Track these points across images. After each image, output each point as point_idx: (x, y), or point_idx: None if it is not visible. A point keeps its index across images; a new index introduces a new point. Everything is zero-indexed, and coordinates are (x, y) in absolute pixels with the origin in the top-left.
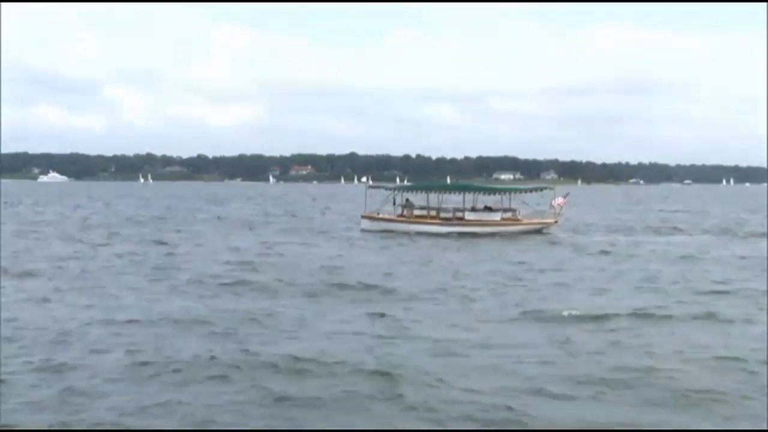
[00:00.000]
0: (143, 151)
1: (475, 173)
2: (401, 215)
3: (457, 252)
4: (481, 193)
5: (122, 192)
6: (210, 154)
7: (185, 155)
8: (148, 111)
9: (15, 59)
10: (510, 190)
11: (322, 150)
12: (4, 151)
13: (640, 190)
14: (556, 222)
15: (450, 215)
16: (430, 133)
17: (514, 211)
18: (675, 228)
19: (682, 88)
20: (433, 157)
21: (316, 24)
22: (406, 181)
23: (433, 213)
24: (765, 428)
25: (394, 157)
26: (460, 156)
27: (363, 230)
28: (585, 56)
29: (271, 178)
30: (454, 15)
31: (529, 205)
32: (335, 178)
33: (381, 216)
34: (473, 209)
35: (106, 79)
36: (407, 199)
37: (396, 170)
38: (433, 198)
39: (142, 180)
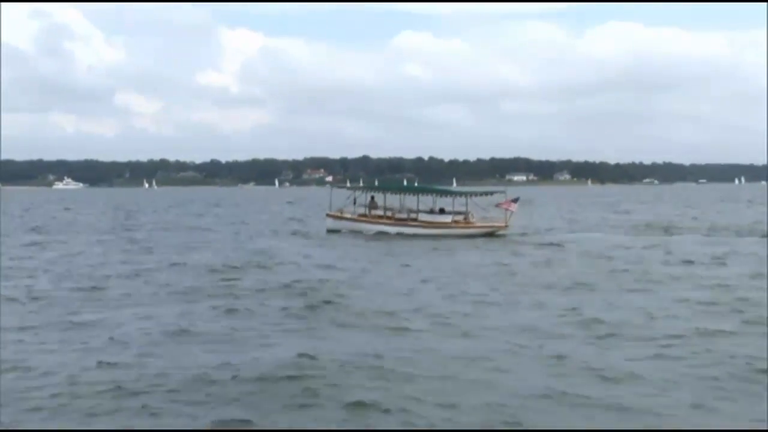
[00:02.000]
0: (157, 157)
1: (488, 175)
2: (363, 215)
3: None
4: (439, 195)
5: (120, 198)
6: (223, 159)
7: (199, 160)
8: (160, 117)
9: (27, 67)
10: (464, 194)
11: (335, 153)
12: (20, 158)
13: (652, 190)
14: (506, 226)
15: (405, 216)
16: (443, 135)
17: (466, 214)
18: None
19: (696, 87)
20: (446, 159)
21: (326, 26)
22: (416, 183)
23: (389, 213)
24: (765, 428)
25: (407, 159)
26: (473, 158)
27: (328, 229)
28: (597, 56)
29: (277, 183)
30: (463, 16)
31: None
32: (350, 180)
33: (344, 215)
34: (431, 211)
35: (117, 85)
36: (372, 198)
37: (409, 173)
38: (401, 199)
39: (146, 185)
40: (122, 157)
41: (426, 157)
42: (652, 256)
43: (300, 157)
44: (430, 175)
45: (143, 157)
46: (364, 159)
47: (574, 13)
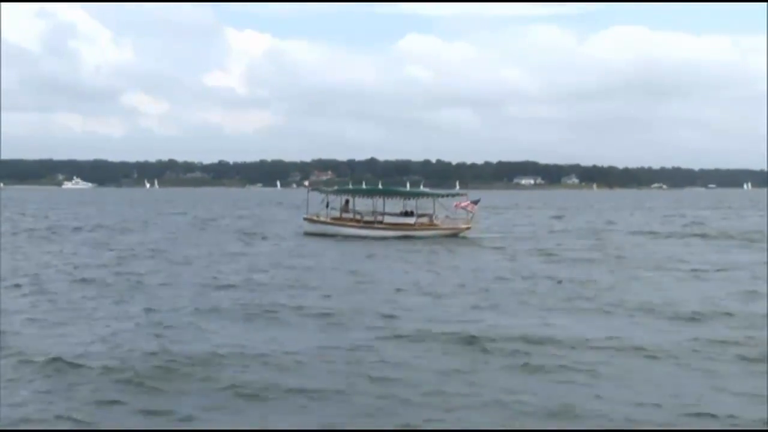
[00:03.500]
0: (165, 158)
1: (495, 179)
2: (336, 218)
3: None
4: (406, 198)
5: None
6: (231, 160)
7: (207, 161)
8: (167, 117)
9: (34, 66)
10: (430, 195)
11: (343, 155)
12: (29, 158)
13: (659, 195)
14: (468, 228)
15: (372, 219)
16: (450, 137)
17: (430, 216)
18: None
19: (704, 91)
20: (454, 162)
21: (332, 29)
22: (422, 186)
23: (358, 216)
24: (765, 428)
25: (414, 162)
26: (480, 161)
27: (305, 233)
28: (603, 60)
29: (279, 184)
30: (468, 18)
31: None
32: (356, 183)
33: (319, 218)
34: (405, 213)
35: (124, 85)
36: (347, 201)
37: (416, 175)
38: (374, 202)
39: (147, 185)
40: (130, 158)
41: (433, 160)
42: None
43: (307, 158)
44: (437, 177)
45: (151, 158)
46: (372, 161)
47: (580, 16)
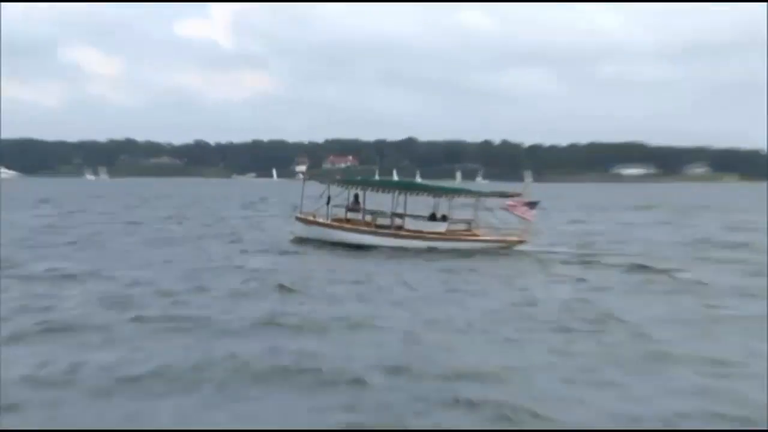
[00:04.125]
0: (120, 136)
1: (585, 167)
2: (339, 219)
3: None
4: (435, 195)
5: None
6: (212, 140)
7: (178, 141)
8: (124, 80)
9: None
10: (473, 194)
11: (369, 134)
12: None
13: None
14: (522, 241)
15: (387, 222)
16: (521, 109)
17: (468, 222)
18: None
19: None
20: (525, 144)
21: None
22: (480, 178)
23: (369, 218)
24: (765, 428)
25: (470, 144)
26: (563, 142)
27: (296, 237)
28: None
29: (274, 173)
30: None
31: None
32: (386, 172)
33: (316, 219)
34: (432, 217)
35: (62, 35)
36: (356, 197)
37: (471, 162)
38: (395, 198)
39: (89, 177)
40: (71, 136)
41: (497, 141)
42: None
43: (319, 138)
44: (502, 165)
45: (101, 136)
46: (409, 142)
47: None
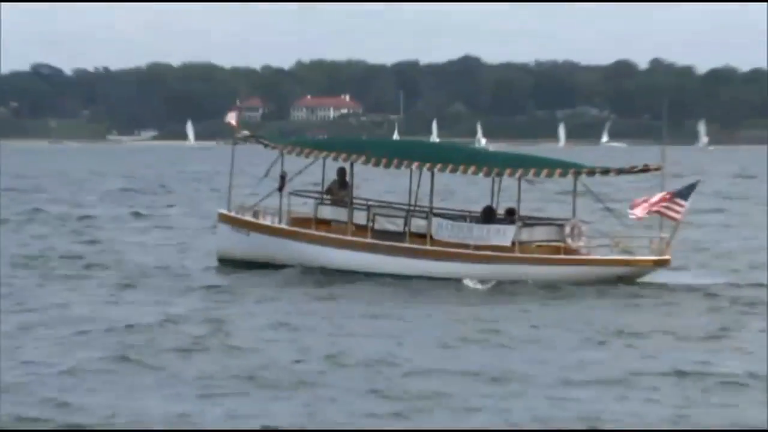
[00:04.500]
0: None
1: None
2: (300, 219)
3: None
4: (498, 171)
5: None
6: (68, 67)
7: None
8: None
9: None
10: (567, 167)
11: (383, 51)
12: None
13: None
14: (664, 261)
15: (396, 228)
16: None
17: (560, 225)
18: None
19: None
20: (700, 69)
21: None
22: (606, 137)
23: (362, 219)
24: (765, 428)
25: (594, 68)
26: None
27: (221, 259)
28: None
29: (191, 134)
30: None
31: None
32: (418, 127)
33: (259, 220)
34: (487, 215)
35: None
36: (342, 173)
37: (593, 105)
38: (415, 177)
39: None
40: None
41: (644, 62)
42: None
43: (285, 61)
44: (674, 113)
45: None
46: (466, 65)
47: None
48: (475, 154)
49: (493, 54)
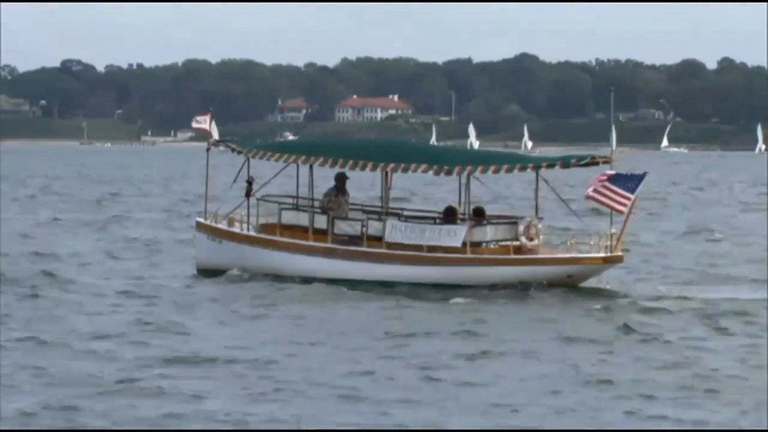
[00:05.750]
0: None
1: None
2: (267, 225)
3: None
4: (446, 167)
5: None
6: (100, 63)
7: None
8: None
9: None
10: (524, 162)
11: (429, 54)
12: None
13: None
14: (615, 258)
15: (353, 231)
16: None
17: (513, 224)
18: None
19: None
20: None
21: None
22: (666, 140)
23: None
24: (765, 428)
25: (656, 68)
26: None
27: (199, 268)
28: None
29: (214, 134)
30: None
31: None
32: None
33: (232, 226)
34: (448, 214)
35: None
36: (341, 179)
37: (662, 107)
38: (385, 178)
39: None
40: None
41: (713, 62)
42: None
43: (336, 58)
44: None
45: None
46: (521, 63)
47: None
48: (434, 153)
49: (550, 52)
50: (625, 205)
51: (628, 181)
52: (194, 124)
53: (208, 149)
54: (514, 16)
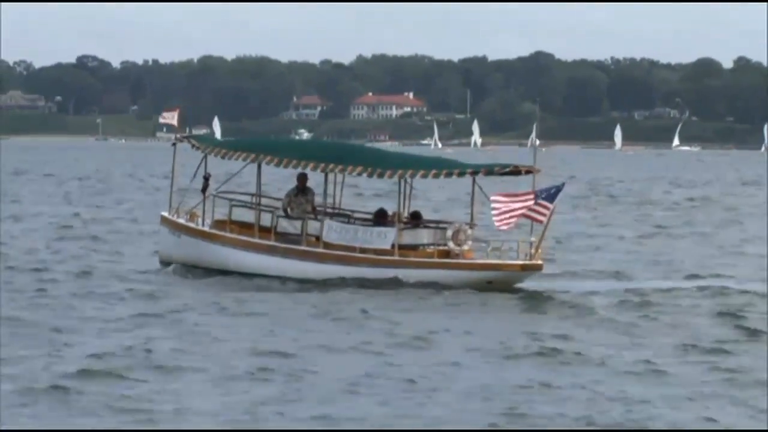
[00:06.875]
0: None
1: None
2: (221, 222)
3: None
4: (378, 170)
5: None
6: (115, 59)
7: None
8: None
9: None
10: (458, 169)
11: (445, 51)
12: None
13: None
14: (533, 266)
15: (294, 230)
16: None
17: (442, 228)
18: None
19: None
20: None
21: None
22: (677, 139)
23: (268, 222)
24: (765, 428)
25: (671, 66)
26: None
27: (162, 261)
28: None
29: (217, 131)
30: None
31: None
32: (488, 129)
33: (191, 222)
34: (379, 216)
35: None
36: (302, 177)
37: (677, 106)
38: (337, 180)
39: None
40: None
41: (729, 61)
42: None
43: (351, 55)
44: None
45: None
46: (537, 61)
47: None
48: (373, 157)
49: (566, 50)
50: (544, 215)
51: (547, 192)
52: (162, 120)
53: (173, 144)
54: (529, 14)
